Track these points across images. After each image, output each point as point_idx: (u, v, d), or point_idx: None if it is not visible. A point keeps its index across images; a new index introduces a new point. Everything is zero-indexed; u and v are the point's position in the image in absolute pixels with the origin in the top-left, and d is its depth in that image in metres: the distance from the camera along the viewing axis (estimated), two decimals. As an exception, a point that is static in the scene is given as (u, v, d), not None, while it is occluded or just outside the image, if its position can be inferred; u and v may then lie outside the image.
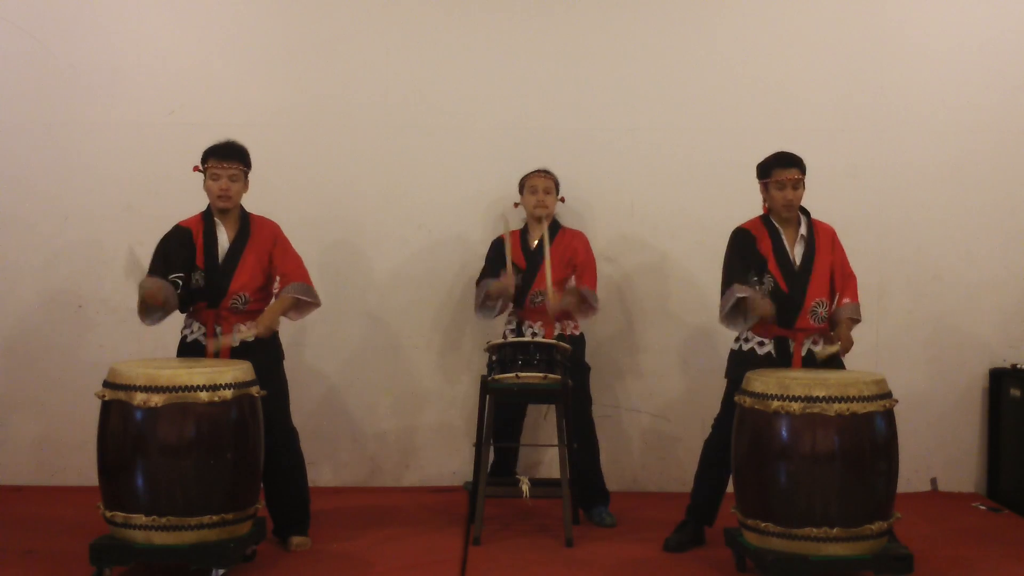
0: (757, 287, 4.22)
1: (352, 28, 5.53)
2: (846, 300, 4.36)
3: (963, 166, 5.54)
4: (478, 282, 5.06)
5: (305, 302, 4.44)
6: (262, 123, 5.39)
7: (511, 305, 5.03)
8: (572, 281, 4.96)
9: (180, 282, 4.26)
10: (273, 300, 4.41)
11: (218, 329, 4.31)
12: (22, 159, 5.48)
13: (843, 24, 5.53)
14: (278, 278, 4.40)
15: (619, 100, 5.54)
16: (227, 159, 4.32)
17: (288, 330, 5.26)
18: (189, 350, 4.37)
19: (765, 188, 4.40)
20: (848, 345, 4.28)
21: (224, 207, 4.35)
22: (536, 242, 5.03)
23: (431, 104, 5.52)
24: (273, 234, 4.44)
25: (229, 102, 5.46)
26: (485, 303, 4.98)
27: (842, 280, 4.38)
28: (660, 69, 5.53)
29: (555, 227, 5.08)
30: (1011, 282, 5.56)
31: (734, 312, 4.29)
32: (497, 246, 5.06)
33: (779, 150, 4.41)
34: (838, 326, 4.32)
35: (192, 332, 4.38)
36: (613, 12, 5.53)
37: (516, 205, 5.18)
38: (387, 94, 5.52)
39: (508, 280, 4.85)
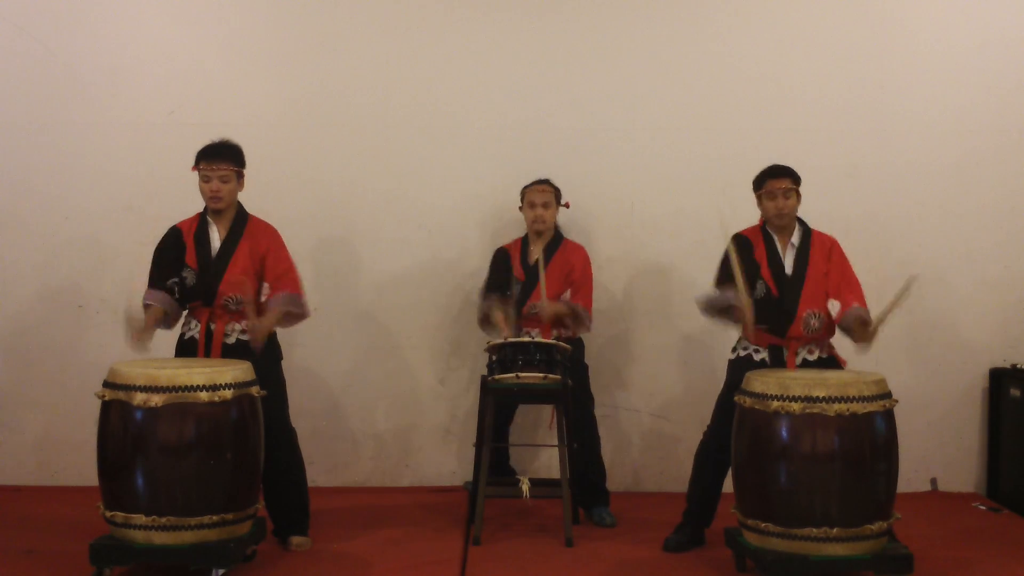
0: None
1: (352, 28, 5.53)
2: (855, 304, 4.29)
3: (963, 166, 5.54)
4: (483, 295, 5.05)
5: (294, 313, 4.39)
6: (262, 123, 5.39)
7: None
8: (567, 295, 4.95)
9: (175, 286, 4.29)
10: (267, 312, 4.34)
11: (212, 326, 4.30)
12: (22, 159, 5.48)
13: (843, 24, 5.53)
14: (266, 285, 4.35)
15: (619, 100, 5.54)
16: (216, 161, 4.31)
17: (289, 331, 5.27)
18: (185, 347, 4.38)
19: (759, 200, 4.43)
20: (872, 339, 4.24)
21: (216, 208, 4.36)
22: (535, 259, 5.00)
23: (431, 104, 5.52)
24: (268, 238, 4.41)
25: (229, 102, 5.46)
26: (486, 322, 5.01)
27: (845, 287, 4.32)
28: (660, 69, 5.54)
29: (557, 239, 5.06)
30: (1011, 282, 5.56)
31: (720, 310, 4.33)
32: (499, 259, 5.06)
33: (772, 163, 4.44)
34: (854, 330, 4.26)
35: (190, 329, 4.39)
36: (613, 13, 5.53)
37: (521, 208, 5.16)
38: (387, 94, 5.52)
39: (505, 328, 4.83)
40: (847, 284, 4.34)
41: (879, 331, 4.23)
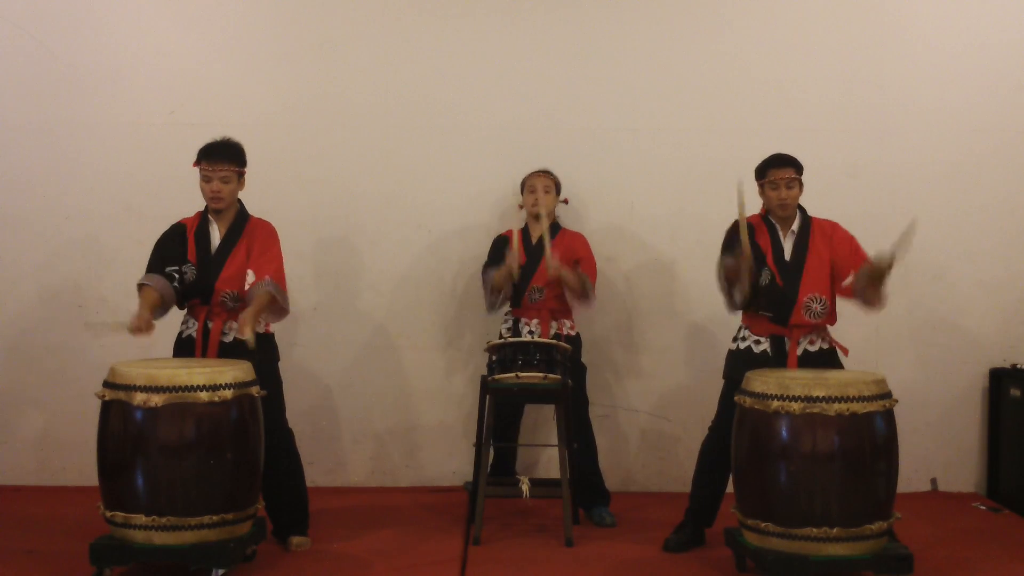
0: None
1: (352, 28, 5.53)
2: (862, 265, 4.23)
3: (963, 166, 5.54)
4: (483, 272, 5.04)
5: (277, 304, 4.34)
6: (262, 123, 5.39)
7: (509, 302, 5.04)
8: (579, 267, 4.95)
9: (176, 275, 4.29)
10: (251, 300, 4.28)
11: (209, 324, 4.31)
12: (22, 159, 5.48)
13: (843, 24, 5.53)
14: (250, 272, 4.30)
15: (620, 100, 5.54)
16: (217, 161, 4.32)
17: (288, 330, 5.28)
18: (183, 346, 4.39)
19: (761, 189, 4.43)
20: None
21: (216, 208, 4.37)
22: (536, 239, 5.04)
23: (431, 104, 5.52)
24: (263, 233, 4.41)
25: (229, 102, 5.46)
26: (492, 293, 4.99)
27: (857, 260, 4.27)
28: (661, 69, 5.54)
29: (555, 228, 5.09)
30: (1011, 282, 5.56)
31: (728, 289, 4.30)
32: (499, 243, 5.07)
33: (775, 152, 4.44)
34: (866, 288, 4.17)
35: (187, 328, 4.40)
36: (614, 12, 5.53)
37: (521, 207, 5.19)
38: (387, 94, 5.52)
39: (513, 262, 4.78)
40: (858, 257, 4.30)
41: (887, 278, 4.13)
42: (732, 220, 4.53)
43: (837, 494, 3.83)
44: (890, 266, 4.10)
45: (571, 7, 5.55)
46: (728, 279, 4.29)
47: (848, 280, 4.29)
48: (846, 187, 5.45)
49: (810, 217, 4.45)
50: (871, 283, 4.18)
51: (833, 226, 4.43)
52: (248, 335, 4.08)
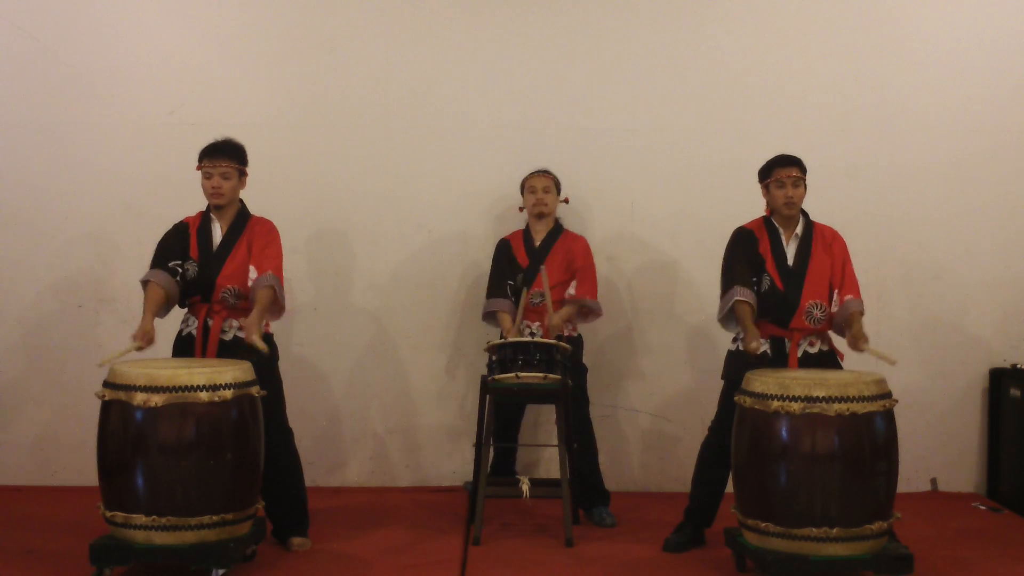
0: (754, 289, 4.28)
1: (352, 28, 5.53)
2: (848, 296, 4.31)
3: (963, 166, 5.54)
4: (488, 293, 5.06)
5: (276, 302, 4.36)
6: (262, 123, 5.39)
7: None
8: (572, 288, 4.96)
9: (180, 269, 4.33)
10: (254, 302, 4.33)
11: (209, 322, 4.32)
12: (22, 159, 5.48)
13: (843, 24, 5.53)
14: (252, 268, 4.35)
15: (619, 100, 5.54)
16: (218, 158, 4.37)
17: (289, 330, 5.28)
18: (183, 344, 4.40)
19: (766, 189, 4.43)
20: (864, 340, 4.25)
21: (217, 203, 4.41)
22: (539, 241, 5.05)
23: (431, 103, 5.53)
24: (263, 229, 4.44)
25: (229, 102, 5.46)
26: (490, 317, 5.05)
27: (842, 280, 4.36)
28: (660, 69, 5.54)
29: (558, 229, 5.10)
30: (1011, 282, 5.56)
31: (731, 314, 4.33)
32: (501, 251, 5.08)
33: (779, 153, 4.44)
34: (852, 324, 4.26)
35: (187, 326, 4.41)
36: (613, 12, 5.53)
37: (521, 209, 5.19)
38: (387, 94, 5.52)
39: (512, 332, 4.82)
40: (846, 278, 4.35)
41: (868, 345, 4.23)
42: (730, 219, 4.55)
43: (837, 494, 3.83)
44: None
45: (571, 7, 5.55)
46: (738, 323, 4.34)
47: (835, 304, 4.34)
48: (846, 187, 5.45)
49: (812, 222, 4.45)
50: (854, 329, 4.26)
51: (834, 234, 4.44)
52: (257, 342, 4.11)
